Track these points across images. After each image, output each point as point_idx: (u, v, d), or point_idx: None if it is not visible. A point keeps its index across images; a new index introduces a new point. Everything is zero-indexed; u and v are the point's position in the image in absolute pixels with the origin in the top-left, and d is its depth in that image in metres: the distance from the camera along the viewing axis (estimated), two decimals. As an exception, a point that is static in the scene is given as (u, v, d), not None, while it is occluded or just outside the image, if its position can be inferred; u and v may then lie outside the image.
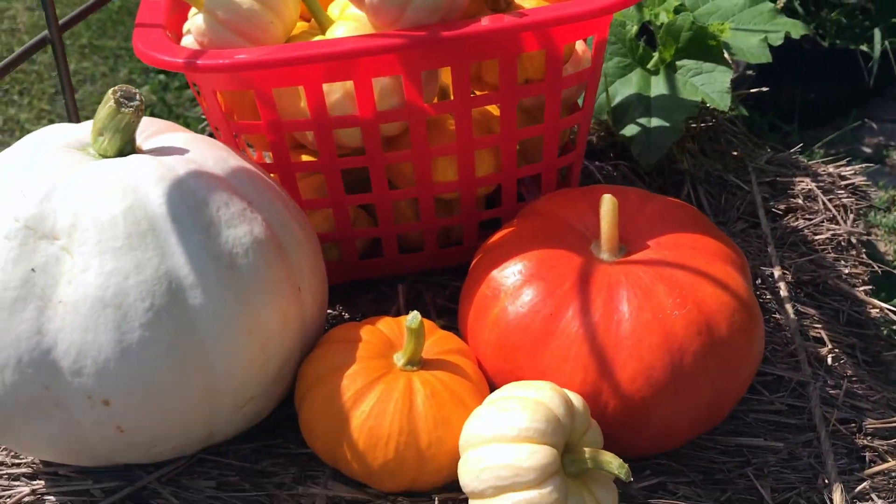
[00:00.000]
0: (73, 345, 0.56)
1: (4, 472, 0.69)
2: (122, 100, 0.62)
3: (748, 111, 1.93)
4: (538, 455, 0.56)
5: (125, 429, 0.59)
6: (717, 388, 0.67)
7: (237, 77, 0.70)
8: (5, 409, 0.58)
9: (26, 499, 0.67)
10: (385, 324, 0.69)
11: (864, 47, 2.15)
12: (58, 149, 0.63)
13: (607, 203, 0.69)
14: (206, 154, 0.65)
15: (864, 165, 1.18)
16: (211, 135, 1.19)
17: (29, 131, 2.16)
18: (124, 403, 0.57)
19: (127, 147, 0.63)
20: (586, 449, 0.60)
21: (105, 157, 0.63)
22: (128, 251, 0.57)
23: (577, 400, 0.61)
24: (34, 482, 0.68)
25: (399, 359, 0.65)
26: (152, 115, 2.17)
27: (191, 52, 0.67)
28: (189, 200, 0.60)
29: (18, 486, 0.68)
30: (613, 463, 0.58)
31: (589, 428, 0.62)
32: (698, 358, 0.65)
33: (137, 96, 0.63)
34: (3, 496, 0.68)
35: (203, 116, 2.08)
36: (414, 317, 0.63)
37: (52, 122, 2.24)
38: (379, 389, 0.62)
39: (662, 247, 0.70)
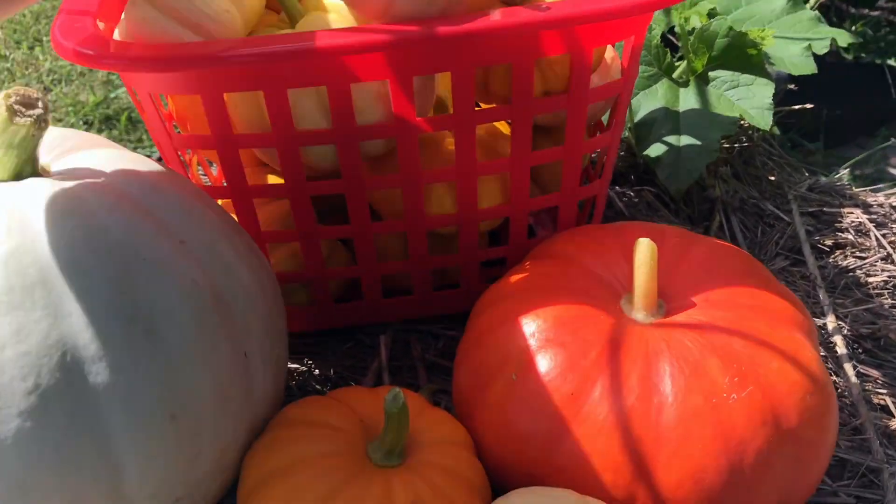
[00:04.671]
0: (-75, 440, 0.41)
1: None
2: (17, 107, 0.47)
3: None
4: None
5: (1, 548, 0.44)
6: (783, 492, 0.52)
7: (180, 79, 0.55)
8: None
9: None
10: (358, 399, 0.54)
11: (891, 61, 2.03)
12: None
13: (644, 249, 0.54)
14: (132, 179, 0.50)
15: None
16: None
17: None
18: (-3, 518, 0.42)
19: (26, 168, 0.48)
20: (620, 586, 0.45)
21: (-5, 180, 0.48)
22: (6, 311, 0.42)
23: (606, 515, 0.47)
24: None
25: (375, 451, 0.50)
26: (129, 119, 2.02)
27: (120, 44, 0.53)
28: (97, 243, 0.45)
29: None
30: None
31: (622, 552, 0.47)
32: (762, 455, 0.50)
33: (40, 102, 0.48)
34: None
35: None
36: (395, 397, 0.48)
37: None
38: (346, 496, 0.47)
39: (712, 305, 0.56)
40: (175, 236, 0.48)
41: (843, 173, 1.08)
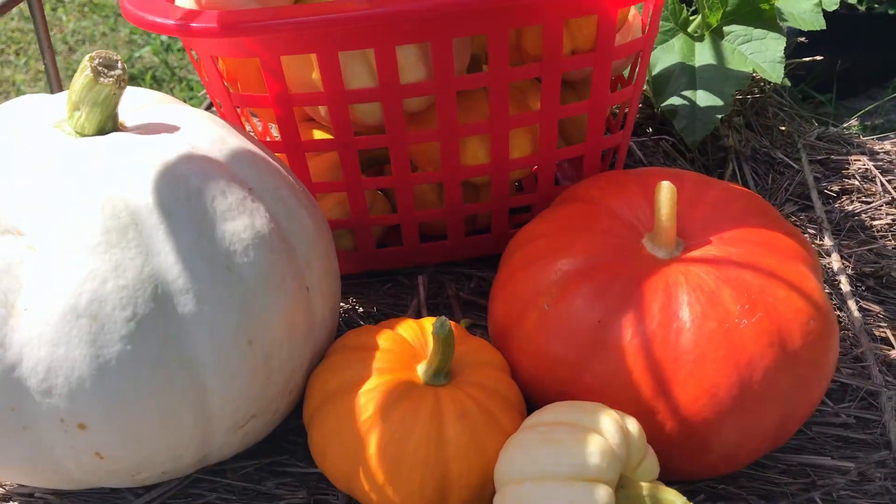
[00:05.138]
0: (42, 361, 0.47)
1: (-25, 490, 0.61)
2: (100, 68, 0.53)
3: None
4: (591, 496, 0.48)
5: (105, 455, 0.50)
6: (788, 407, 0.58)
7: (240, 43, 0.60)
8: (-34, 432, 0.49)
9: (-1, 522, 0.59)
10: (406, 328, 0.60)
11: (904, 12, 2.04)
12: (28, 127, 0.54)
13: (665, 191, 0.60)
14: (202, 132, 0.56)
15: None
16: (211, 106, 1.10)
17: (24, 93, 2.06)
18: (103, 428, 0.49)
19: (108, 123, 0.54)
20: (644, 484, 0.51)
21: (83, 135, 0.54)
22: (105, 250, 0.48)
23: (632, 425, 0.53)
24: (8, 504, 0.61)
25: (424, 371, 0.56)
26: (153, 79, 2.07)
27: (186, 12, 0.58)
28: (179, 189, 0.51)
29: (-10, 507, 0.60)
30: (676, 502, 0.50)
31: (645, 457, 0.53)
32: (769, 374, 0.56)
33: (119, 64, 0.53)
34: (-27, 518, 0.60)
35: (206, 80, 1.97)
36: (442, 323, 0.55)
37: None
38: (402, 409, 0.53)
39: (726, 243, 0.61)
40: (244, 184, 0.54)
41: (852, 123, 1.12)
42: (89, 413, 0.48)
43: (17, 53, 2.21)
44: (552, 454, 0.49)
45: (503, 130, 0.68)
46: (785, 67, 1.13)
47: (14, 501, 0.60)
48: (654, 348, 0.56)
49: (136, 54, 2.14)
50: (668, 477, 0.59)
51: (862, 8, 2.13)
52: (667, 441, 0.57)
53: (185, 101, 1.99)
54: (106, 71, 0.53)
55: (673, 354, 0.56)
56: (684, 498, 0.50)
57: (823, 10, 1.04)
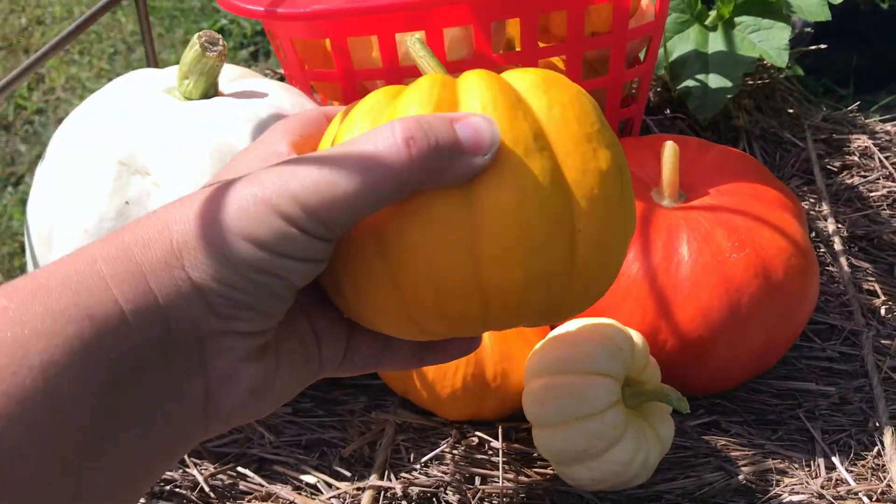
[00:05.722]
0: (166, 272, 0.60)
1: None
2: (206, 44, 0.65)
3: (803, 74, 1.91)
4: (600, 387, 0.59)
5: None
6: (771, 331, 0.69)
7: (314, 25, 0.72)
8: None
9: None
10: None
11: (925, 9, 2.11)
12: (147, 91, 0.66)
13: (669, 149, 0.71)
14: (284, 98, 0.68)
15: (922, 124, 1.18)
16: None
17: (90, 90, 2.22)
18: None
19: (210, 90, 0.67)
20: (646, 381, 0.62)
21: (190, 99, 0.66)
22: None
23: (637, 337, 0.64)
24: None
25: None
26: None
27: (270, 0, 0.70)
28: (271, 140, 0.63)
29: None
30: (672, 395, 0.61)
31: (648, 364, 0.64)
32: (755, 300, 0.67)
33: (220, 42, 0.66)
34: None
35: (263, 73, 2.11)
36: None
37: (110, 80, 2.29)
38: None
39: (722, 194, 0.72)
40: (321, 139, 0.66)
41: (871, 114, 1.22)
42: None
43: (80, 53, 2.37)
44: (569, 354, 0.61)
45: (533, 102, 0.79)
46: (801, 56, 1.23)
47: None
48: (658, 277, 0.67)
49: (193, 52, 2.29)
50: (670, 390, 0.70)
51: (885, 6, 2.21)
52: (668, 356, 0.68)
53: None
54: (210, 47, 0.65)
55: (673, 282, 0.67)
56: (679, 393, 0.61)
57: (845, 7, 1.14)
